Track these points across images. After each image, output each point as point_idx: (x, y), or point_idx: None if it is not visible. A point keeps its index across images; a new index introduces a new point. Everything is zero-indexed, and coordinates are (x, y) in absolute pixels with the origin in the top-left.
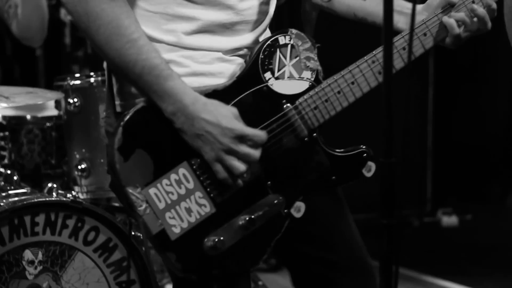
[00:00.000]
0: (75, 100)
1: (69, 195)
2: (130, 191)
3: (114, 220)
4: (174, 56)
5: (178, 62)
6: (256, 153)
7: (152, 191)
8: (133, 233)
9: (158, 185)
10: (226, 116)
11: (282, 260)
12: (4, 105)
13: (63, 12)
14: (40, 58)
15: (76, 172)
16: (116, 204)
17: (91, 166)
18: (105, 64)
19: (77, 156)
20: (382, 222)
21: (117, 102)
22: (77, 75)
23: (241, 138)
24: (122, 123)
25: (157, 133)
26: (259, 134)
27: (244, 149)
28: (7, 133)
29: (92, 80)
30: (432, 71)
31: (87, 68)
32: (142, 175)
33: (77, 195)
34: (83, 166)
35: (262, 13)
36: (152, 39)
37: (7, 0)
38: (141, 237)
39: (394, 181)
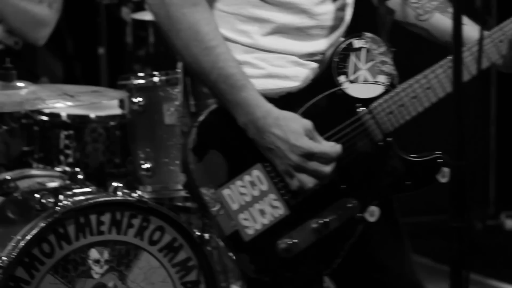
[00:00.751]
0: (139, 99)
1: (134, 194)
2: (204, 191)
3: (179, 220)
4: (249, 57)
5: (253, 64)
6: (326, 169)
7: (225, 192)
8: (198, 233)
9: (232, 186)
10: (296, 132)
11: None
12: (70, 103)
13: (124, 11)
14: (102, 57)
15: (140, 171)
16: (180, 204)
17: (155, 165)
18: (180, 64)
19: (141, 155)
20: (452, 225)
21: (191, 102)
22: (141, 74)
23: (309, 156)
24: (196, 124)
25: (231, 135)
26: (328, 151)
27: (313, 165)
28: (71, 132)
29: (156, 79)
30: (495, 70)
31: (148, 67)
32: (216, 175)
33: (142, 195)
34: (147, 165)
35: (338, 19)
36: (227, 40)
37: None
38: (206, 238)
39: (464, 183)
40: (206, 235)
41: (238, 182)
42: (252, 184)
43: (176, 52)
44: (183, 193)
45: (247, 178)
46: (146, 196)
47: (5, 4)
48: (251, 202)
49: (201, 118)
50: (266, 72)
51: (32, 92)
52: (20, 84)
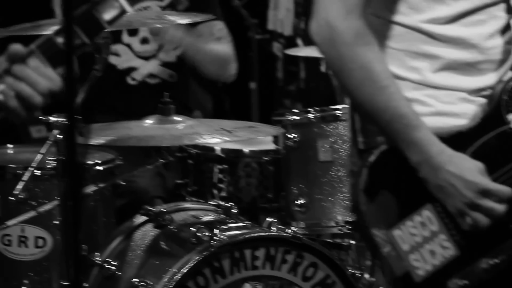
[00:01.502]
0: (294, 135)
1: (288, 230)
2: (375, 232)
3: (333, 256)
4: (418, 94)
5: (422, 101)
6: (500, 208)
7: (396, 232)
8: (351, 271)
9: (402, 226)
10: (471, 169)
11: None
12: (227, 139)
13: (276, 46)
14: (253, 91)
15: (293, 207)
16: (332, 241)
17: (309, 201)
18: (347, 101)
19: (295, 191)
20: None
21: (360, 139)
22: (296, 110)
23: (485, 193)
24: (367, 164)
25: (402, 175)
26: (504, 190)
27: (488, 203)
28: (225, 166)
29: (311, 116)
30: None
31: (299, 103)
32: (387, 216)
33: (296, 230)
34: (300, 201)
35: (506, 53)
36: (397, 77)
37: None
38: (358, 275)
39: None
40: (358, 273)
41: (409, 223)
42: (423, 224)
43: (347, 91)
44: (335, 230)
45: (417, 218)
46: (299, 232)
47: (197, 52)
48: (421, 243)
49: (372, 158)
50: (435, 110)
51: (189, 127)
52: (177, 118)
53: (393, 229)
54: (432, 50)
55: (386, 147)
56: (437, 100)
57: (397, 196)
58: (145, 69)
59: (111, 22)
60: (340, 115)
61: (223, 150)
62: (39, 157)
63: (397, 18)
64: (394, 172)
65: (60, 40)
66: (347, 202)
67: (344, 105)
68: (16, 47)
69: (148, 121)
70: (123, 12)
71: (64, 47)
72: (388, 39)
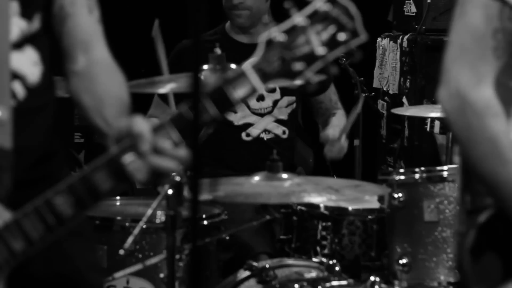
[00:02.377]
0: (400, 195)
1: None
2: None
3: None
4: None
5: None
6: None
7: None
8: None
9: None
10: None
11: None
12: (334, 197)
13: (380, 104)
14: (357, 148)
15: (396, 266)
16: None
17: (412, 261)
18: (457, 160)
19: (398, 250)
20: None
21: (467, 199)
22: (402, 170)
23: None
24: (475, 226)
25: (510, 239)
26: None
27: None
28: (329, 224)
29: (417, 176)
30: None
31: (401, 160)
32: (490, 277)
33: None
34: (404, 260)
35: None
36: None
37: None
38: None
39: None
40: None
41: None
42: None
43: (471, 161)
44: None
45: None
46: None
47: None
48: None
49: (481, 219)
50: None
51: (297, 185)
52: (284, 175)
53: None
54: None
55: (496, 211)
56: None
57: (503, 258)
58: (261, 125)
59: (242, 100)
60: (446, 176)
61: (327, 207)
62: (149, 211)
63: None
64: (503, 236)
65: (190, 115)
66: (451, 263)
67: (450, 166)
68: (140, 124)
69: (256, 178)
70: (254, 91)
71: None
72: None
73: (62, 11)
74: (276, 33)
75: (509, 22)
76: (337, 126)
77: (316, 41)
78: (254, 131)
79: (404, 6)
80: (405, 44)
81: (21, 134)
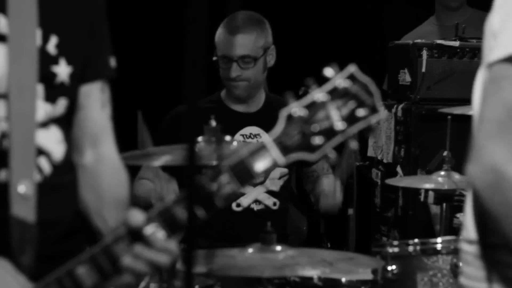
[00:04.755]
0: (394, 267)
1: None
2: None
3: None
4: None
5: None
6: None
7: None
8: None
9: None
10: None
11: None
12: (328, 271)
13: (374, 173)
14: (351, 218)
15: None
16: None
17: None
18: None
19: None
20: None
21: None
22: (395, 242)
23: None
24: None
25: None
26: None
27: None
28: None
29: (411, 248)
30: None
31: (395, 230)
32: None
33: None
34: None
35: None
36: None
37: None
38: None
39: None
40: None
41: None
42: None
43: (505, 236)
44: None
45: None
46: None
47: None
48: None
49: None
50: None
51: (290, 257)
52: (277, 248)
53: None
54: None
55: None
56: None
57: None
58: (251, 195)
59: (263, 173)
60: (440, 248)
61: (320, 278)
62: (143, 284)
63: None
64: None
65: (180, 211)
66: None
67: (444, 238)
68: (136, 218)
69: (250, 250)
70: (274, 164)
71: (184, 219)
72: None
73: (76, 101)
74: (297, 108)
75: None
76: (331, 180)
77: (336, 116)
78: (245, 201)
79: (399, 76)
80: (399, 113)
81: (46, 209)
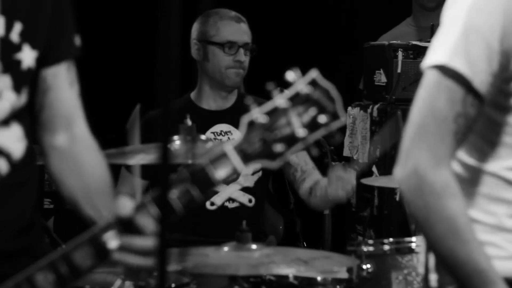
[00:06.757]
0: (368, 266)
1: None
2: None
3: None
4: (494, 238)
5: (497, 245)
6: None
7: None
8: None
9: None
10: None
11: None
12: (303, 269)
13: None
14: (327, 216)
15: None
16: None
17: None
18: (426, 246)
19: None
20: None
21: (433, 277)
22: (370, 241)
23: None
24: None
25: None
26: None
27: None
28: None
29: (386, 247)
30: None
31: (371, 229)
32: None
33: None
34: None
35: None
36: (472, 220)
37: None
38: None
39: None
40: None
41: None
42: None
43: (430, 241)
44: None
45: None
46: None
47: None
48: None
49: None
50: (508, 254)
51: (266, 256)
52: (253, 246)
53: None
54: (510, 197)
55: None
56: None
57: None
58: (225, 193)
59: (223, 180)
60: (414, 247)
61: (296, 277)
62: (118, 282)
63: (480, 165)
64: None
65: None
66: None
67: (418, 237)
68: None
69: (225, 248)
70: (235, 171)
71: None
72: (469, 183)
73: (44, 83)
74: (258, 114)
75: (471, 108)
76: (342, 168)
77: (297, 123)
78: (218, 200)
79: (375, 76)
80: (375, 113)
81: (3, 208)
